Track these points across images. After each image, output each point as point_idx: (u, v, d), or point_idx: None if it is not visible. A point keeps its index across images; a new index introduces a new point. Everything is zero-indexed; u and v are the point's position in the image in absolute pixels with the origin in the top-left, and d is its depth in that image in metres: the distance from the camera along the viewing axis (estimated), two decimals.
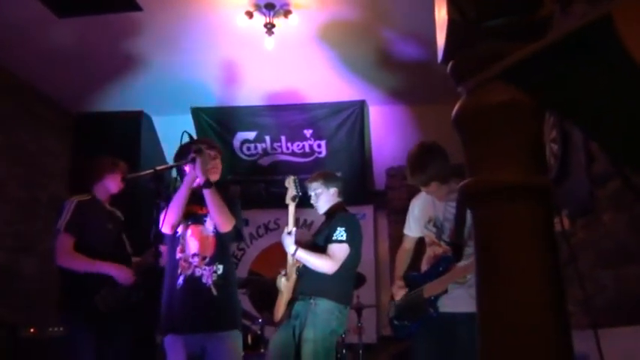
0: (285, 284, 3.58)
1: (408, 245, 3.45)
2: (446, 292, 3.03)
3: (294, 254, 3.50)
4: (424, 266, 3.28)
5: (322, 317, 3.39)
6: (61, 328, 3.42)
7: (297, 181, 3.70)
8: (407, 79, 5.43)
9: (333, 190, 3.66)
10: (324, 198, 3.64)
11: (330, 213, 3.64)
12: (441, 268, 3.08)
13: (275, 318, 3.61)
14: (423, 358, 3.13)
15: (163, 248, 3.31)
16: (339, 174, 5.99)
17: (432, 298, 3.06)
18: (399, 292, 3.27)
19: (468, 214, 2.88)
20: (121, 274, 3.29)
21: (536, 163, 0.78)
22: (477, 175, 0.80)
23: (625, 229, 2.97)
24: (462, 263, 2.96)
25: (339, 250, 3.46)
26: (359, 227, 3.65)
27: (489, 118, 0.79)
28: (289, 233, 3.54)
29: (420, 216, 3.32)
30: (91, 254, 3.29)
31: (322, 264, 3.44)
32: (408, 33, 4.68)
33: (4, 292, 4.77)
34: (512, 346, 0.74)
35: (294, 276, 3.56)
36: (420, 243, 3.41)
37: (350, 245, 3.49)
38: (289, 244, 3.52)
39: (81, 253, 3.28)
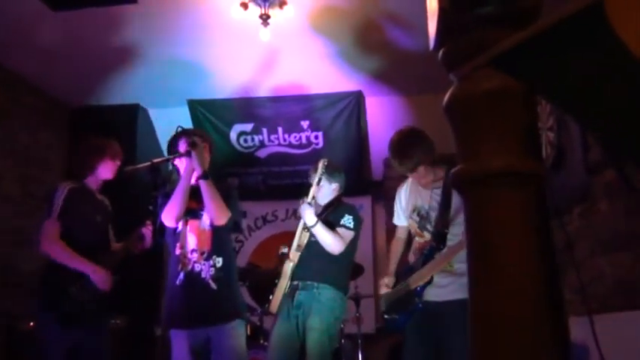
0: (291, 269, 3.51)
1: (401, 235, 3.44)
2: (431, 281, 3.04)
3: (313, 226, 3.41)
4: (411, 258, 3.29)
5: (327, 305, 3.41)
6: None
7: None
8: (403, 69, 5.41)
9: (335, 186, 3.65)
10: (324, 190, 3.62)
11: (329, 205, 3.64)
12: (425, 258, 3.10)
13: (272, 307, 3.55)
14: (415, 349, 3.14)
15: (146, 230, 3.30)
16: None
17: (418, 288, 3.07)
18: (384, 288, 3.29)
19: (453, 199, 2.85)
20: (98, 277, 3.16)
21: (528, 149, 0.78)
22: (468, 162, 0.80)
23: (621, 217, 2.98)
24: (445, 250, 2.98)
25: (347, 235, 3.49)
26: (362, 221, 3.69)
27: (480, 104, 0.79)
28: (310, 204, 3.44)
29: (406, 205, 3.33)
30: (76, 245, 3.17)
31: (334, 242, 3.42)
32: (404, 23, 4.66)
33: (3, 288, 4.78)
34: (504, 332, 0.74)
35: (295, 261, 3.52)
36: (410, 232, 3.42)
37: (355, 234, 3.54)
38: (310, 214, 3.41)
39: (66, 242, 3.15)
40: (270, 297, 3.55)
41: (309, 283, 3.46)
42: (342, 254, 3.47)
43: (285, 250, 3.62)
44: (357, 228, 3.55)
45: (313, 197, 3.50)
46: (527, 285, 0.77)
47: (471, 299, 0.78)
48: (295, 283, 3.50)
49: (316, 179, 3.50)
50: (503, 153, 0.77)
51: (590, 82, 0.76)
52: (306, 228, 3.48)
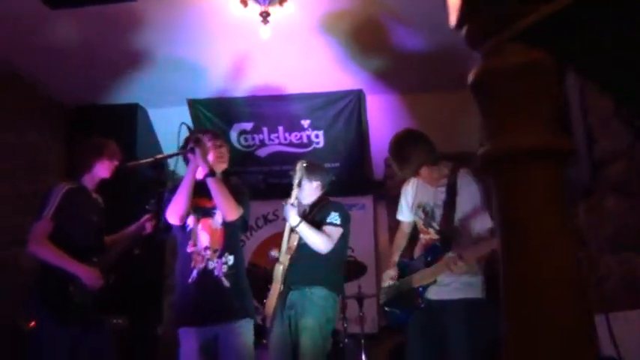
0: (282, 273, 3.54)
1: (405, 229, 3.45)
2: (435, 282, 3.03)
3: (297, 226, 3.44)
4: (417, 253, 3.28)
5: (319, 305, 3.41)
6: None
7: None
8: (404, 67, 5.39)
9: (316, 184, 3.68)
10: (306, 190, 3.63)
11: (314, 205, 3.67)
12: (429, 258, 3.07)
13: (267, 311, 3.57)
14: (417, 349, 3.12)
15: (148, 223, 3.30)
16: (336, 164, 5.95)
17: (421, 288, 3.05)
18: (388, 280, 3.28)
19: (457, 201, 2.83)
20: (88, 277, 3.16)
21: (557, 125, 0.75)
22: (496, 140, 0.77)
23: (627, 214, 2.95)
24: (452, 255, 2.96)
25: (335, 232, 3.51)
26: (350, 217, 3.68)
27: (508, 80, 0.76)
28: (293, 204, 3.49)
29: (411, 201, 3.33)
30: (71, 245, 3.18)
31: (321, 240, 3.44)
32: (405, 21, 4.64)
33: (4, 287, 4.73)
34: (539, 315, 0.71)
35: (286, 264, 3.54)
36: (415, 228, 3.42)
37: (343, 230, 3.52)
38: (293, 215, 3.46)
39: (60, 243, 3.16)
40: (264, 301, 3.59)
41: (301, 285, 3.46)
42: (332, 252, 3.48)
43: (274, 253, 3.66)
44: (344, 224, 3.55)
45: (296, 198, 3.54)
46: (558, 261, 0.73)
47: (503, 280, 0.75)
48: (288, 285, 3.50)
49: (296, 181, 3.52)
50: (533, 130, 0.74)
51: (623, 53, 0.73)
52: (292, 230, 3.51)
